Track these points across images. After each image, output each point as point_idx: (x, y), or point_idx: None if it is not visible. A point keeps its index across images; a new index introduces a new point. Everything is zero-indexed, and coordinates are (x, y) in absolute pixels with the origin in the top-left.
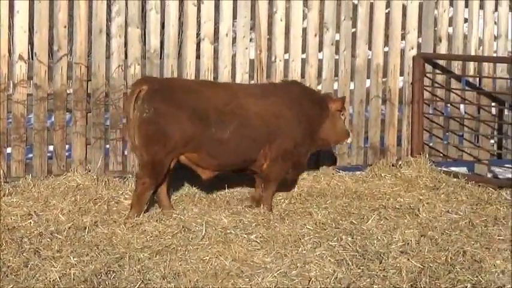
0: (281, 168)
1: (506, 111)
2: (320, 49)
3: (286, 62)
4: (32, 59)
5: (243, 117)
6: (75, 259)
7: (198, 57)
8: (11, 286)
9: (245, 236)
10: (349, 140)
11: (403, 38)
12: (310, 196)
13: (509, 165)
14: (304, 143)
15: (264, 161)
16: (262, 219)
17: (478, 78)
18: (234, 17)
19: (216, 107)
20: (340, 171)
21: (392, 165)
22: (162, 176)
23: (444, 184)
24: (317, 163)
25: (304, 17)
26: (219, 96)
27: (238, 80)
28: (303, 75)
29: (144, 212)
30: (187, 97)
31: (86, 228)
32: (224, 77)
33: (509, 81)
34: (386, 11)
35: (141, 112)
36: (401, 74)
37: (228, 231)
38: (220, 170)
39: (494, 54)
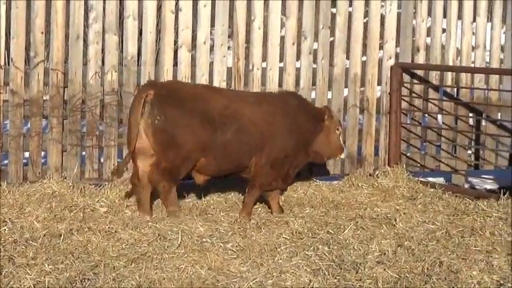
0: (268, 175)
1: (483, 122)
2: (298, 58)
3: (264, 71)
4: (8, 64)
5: (240, 122)
6: (50, 267)
7: (175, 64)
8: None
9: (221, 244)
10: (342, 156)
11: (381, 47)
12: (287, 205)
13: (487, 176)
14: (296, 154)
15: (254, 167)
16: (239, 228)
17: (455, 89)
18: (212, 24)
19: (218, 110)
20: (317, 180)
21: (370, 175)
22: (179, 178)
23: (421, 194)
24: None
25: (282, 25)
26: (219, 100)
27: None
28: (280, 84)
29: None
30: (195, 101)
31: (61, 235)
32: None
33: (486, 91)
34: (365, 20)
35: (153, 119)
36: (379, 83)
37: (204, 239)
38: (216, 175)
39: (472, 65)
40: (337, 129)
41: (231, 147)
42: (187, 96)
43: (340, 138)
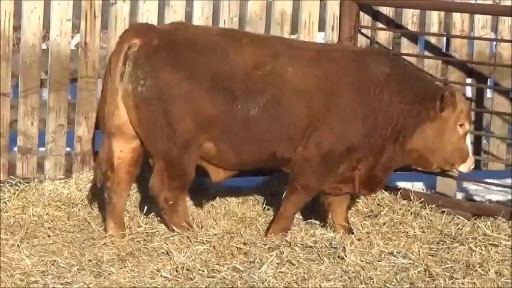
0: (317, 173)
1: (489, 93)
2: None
3: (135, 5)
4: None
5: (278, 90)
6: None
7: None
8: None
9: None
10: (464, 168)
11: None
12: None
13: (492, 181)
14: (373, 147)
15: (297, 160)
16: (90, 260)
17: (445, 39)
18: None
19: (244, 71)
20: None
21: None
22: (187, 180)
23: (386, 209)
24: None
25: None
26: (250, 53)
27: (52, 34)
28: None
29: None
30: (206, 58)
31: None
32: (31, 27)
33: (494, 43)
34: None
35: (135, 84)
36: (322, 28)
37: (33, 279)
38: (239, 169)
39: (473, 1)
40: (461, 125)
41: (258, 127)
42: (196, 49)
43: (467, 140)
